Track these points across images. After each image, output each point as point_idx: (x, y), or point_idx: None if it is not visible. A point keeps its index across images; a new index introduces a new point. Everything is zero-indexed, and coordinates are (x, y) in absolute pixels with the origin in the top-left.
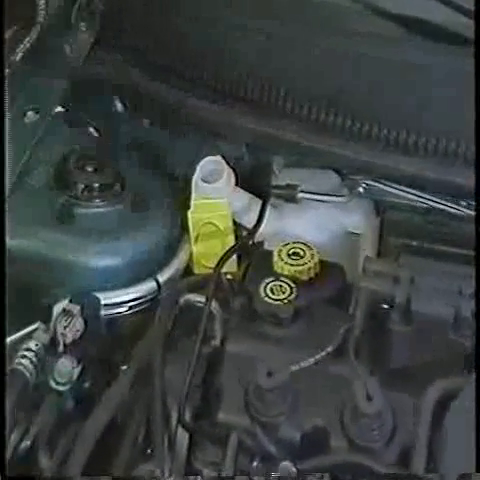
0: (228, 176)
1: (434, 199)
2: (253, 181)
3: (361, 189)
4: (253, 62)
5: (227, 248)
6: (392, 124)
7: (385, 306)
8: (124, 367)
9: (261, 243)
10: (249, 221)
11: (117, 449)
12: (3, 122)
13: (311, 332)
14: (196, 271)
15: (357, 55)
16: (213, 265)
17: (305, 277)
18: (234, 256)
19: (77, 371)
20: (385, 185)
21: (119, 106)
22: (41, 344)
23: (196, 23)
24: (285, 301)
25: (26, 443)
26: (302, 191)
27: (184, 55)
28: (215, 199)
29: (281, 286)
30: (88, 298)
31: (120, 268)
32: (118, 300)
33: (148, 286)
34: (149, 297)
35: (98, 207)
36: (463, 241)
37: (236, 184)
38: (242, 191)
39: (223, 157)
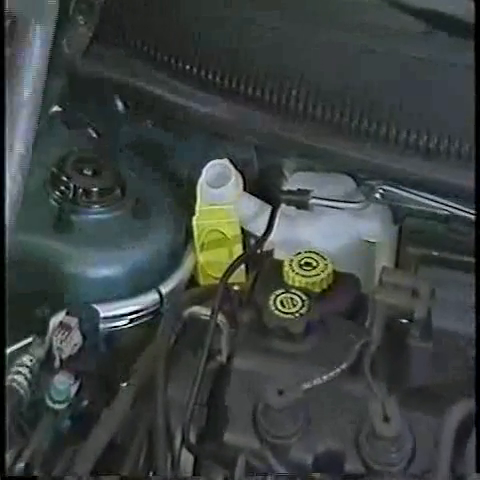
0: (236, 180)
1: (456, 206)
2: (262, 186)
3: (378, 195)
4: (262, 59)
5: (234, 257)
6: (412, 125)
7: (403, 321)
8: (124, 384)
9: (271, 252)
10: (258, 228)
11: (117, 472)
12: (3, 121)
13: (324, 348)
14: (201, 282)
15: (375, 52)
16: (219, 275)
17: (318, 289)
18: (242, 266)
19: (74, 388)
20: (403, 190)
21: (120, 105)
22: (36, 359)
23: (202, 18)
24: (296, 314)
25: (20, 465)
26: (314, 197)
27: (189, 52)
28: (222, 205)
29: (292, 298)
30: (86, 310)
31: (120, 278)
32: (118, 313)
33: (150, 298)
34: (151, 309)
35: (97, 213)
36: None
37: (244, 189)
38: (251, 196)
39: (230, 160)
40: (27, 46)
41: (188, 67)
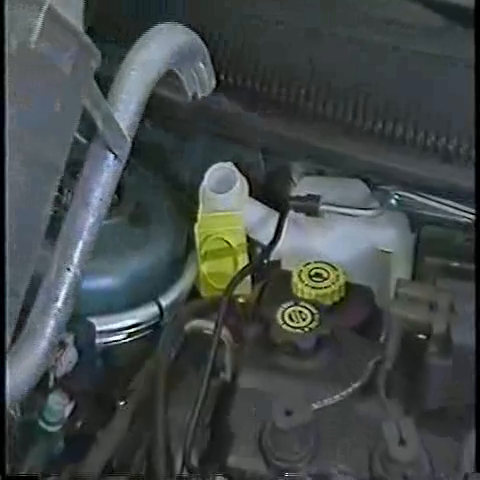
0: (240, 185)
1: (477, 213)
2: (269, 191)
3: (393, 201)
4: (269, 55)
5: (239, 268)
6: (430, 127)
7: (420, 336)
8: (122, 403)
9: (278, 262)
10: (264, 237)
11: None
12: (3, 121)
13: (335, 365)
14: (203, 294)
15: (390, 47)
16: (223, 287)
17: (329, 302)
18: (247, 277)
19: (69, 409)
20: (421, 196)
21: None
22: None
23: (202, 13)
24: (306, 329)
25: None
26: (325, 203)
27: None
28: (226, 211)
29: (301, 312)
30: (81, 325)
31: (117, 290)
32: (115, 326)
33: (149, 311)
34: (150, 323)
35: None
36: None
37: (250, 194)
38: (256, 202)
39: (235, 163)
40: (98, 173)
41: None
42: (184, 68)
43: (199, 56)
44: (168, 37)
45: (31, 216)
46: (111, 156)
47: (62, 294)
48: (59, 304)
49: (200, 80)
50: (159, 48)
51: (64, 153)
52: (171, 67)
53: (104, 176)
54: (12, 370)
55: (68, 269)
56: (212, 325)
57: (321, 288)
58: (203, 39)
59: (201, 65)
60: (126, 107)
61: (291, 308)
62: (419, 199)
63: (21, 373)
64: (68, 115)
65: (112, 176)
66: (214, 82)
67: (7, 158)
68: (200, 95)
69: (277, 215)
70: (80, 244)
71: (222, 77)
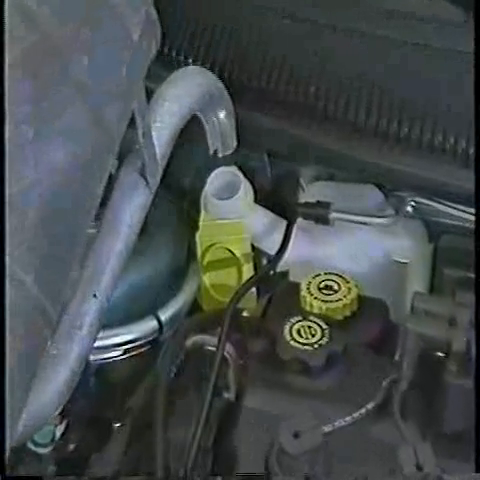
0: (245, 191)
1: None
2: (276, 197)
3: (409, 208)
4: (275, 49)
5: (244, 279)
6: (448, 128)
7: (439, 354)
8: (117, 425)
9: (285, 273)
10: (271, 246)
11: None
12: (3, 124)
13: (347, 384)
14: (205, 307)
15: (406, 43)
16: (226, 299)
17: (340, 316)
18: (253, 289)
19: (60, 429)
20: (439, 203)
21: None
22: None
23: (205, 8)
24: (315, 346)
25: None
26: (336, 210)
27: (192, 44)
28: (229, 219)
29: (310, 327)
30: None
31: (113, 303)
32: (111, 342)
33: (147, 325)
34: (148, 339)
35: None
36: None
37: (255, 200)
38: (262, 209)
39: (239, 167)
40: (128, 200)
41: (190, 61)
42: (208, 114)
43: (223, 103)
44: (195, 78)
45: (90, 183)
46: (142, 183)
47: (87, 321)
48: (83, 332)
49: (222, 133)
50: (188, 86)
51: (121, 129)
52: (199, 107)
53: (134, 203)
54: (31, 398)
55: (94, 295)
56: (215, 341)
57: (332, 301)
58: (205, 35)
59: (224, 116)
60: (159, 135)
61: (299, 323)
62: (437, 206)
63: (40, 402)
64: (129, 89)
65: (142, 203)
66: (235, 143)
67: (70, 112)
68: (220, 154)
69: (284, 223)
70: (107, 271)
71: (225, 74)
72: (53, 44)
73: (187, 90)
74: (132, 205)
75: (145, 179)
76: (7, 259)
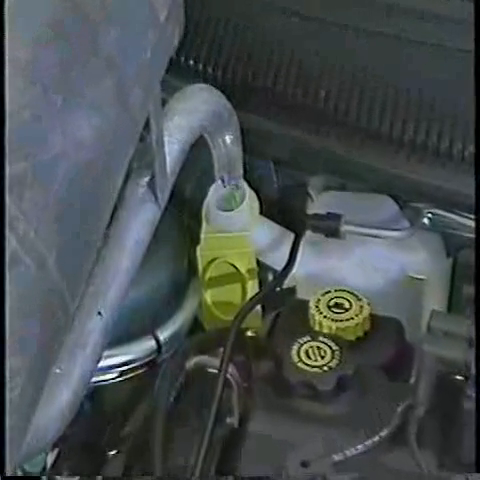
0: (250, 202)
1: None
2: (283, 208)
3: (426, 220)
4: (282, 50)
5: (248, 296)
6: (468, 136)
7: (457, 377)
8: (113, 453)
9: (293, 290)
10: (277, 261)
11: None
12: (3, 122)
13: (359, 410)
14: (207, 326)
15: (428, 45)
16: (230, 318)
17: (351, 336)
18: (258, 307)
19: (52, 457)
20: (458, 215)
21: None
22: None
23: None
24: (325, 368)
25: None
26: (347, 223)
27: (194, 45)
28: (233, 232)
29: (319, 348)
30: None
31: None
32: (106, 363)
33: (145, 345)
34: (146, 360)
35: None
36: None
37: (261, 212)
38: (268, 221)
39: (244, 176)
40: (136, 214)
41: (192, 63)
42: (216, 134)
43: (231, 127)
44: (205, 95)
45: (113, 167)
46: (151, 198)
47: (91, 340)
48: (87, 351)
49: (229, 160)
50: (198, 102)
51: (142, 120)
52: (209, 124)
53: (142, 218)
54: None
55: (99, 313)
56: (217, 362)
57: (342, 321)
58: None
59: (230, 141)
60: (169, 150)
61: (308, 344)
62: (456, 218)
63: (40, 425)
64: (150, 78)
65: (150, 219)
66: (242, 172)
67: (99, 86)
68: (226, 183)
69: (292, 236)
70: (113, 288)
71: (228, 76)
72: (83, 12)
73: (197, 106)
74: (139, 220)
75: (154, 194)
76: (31, 234)
